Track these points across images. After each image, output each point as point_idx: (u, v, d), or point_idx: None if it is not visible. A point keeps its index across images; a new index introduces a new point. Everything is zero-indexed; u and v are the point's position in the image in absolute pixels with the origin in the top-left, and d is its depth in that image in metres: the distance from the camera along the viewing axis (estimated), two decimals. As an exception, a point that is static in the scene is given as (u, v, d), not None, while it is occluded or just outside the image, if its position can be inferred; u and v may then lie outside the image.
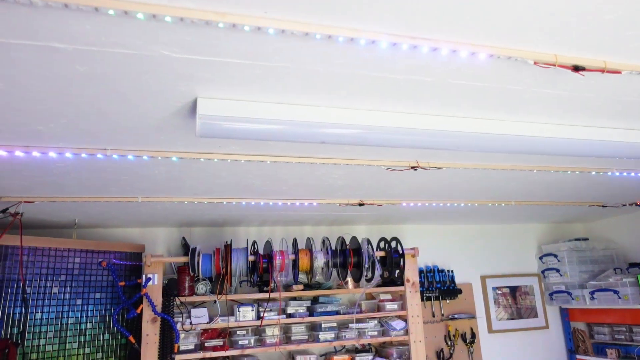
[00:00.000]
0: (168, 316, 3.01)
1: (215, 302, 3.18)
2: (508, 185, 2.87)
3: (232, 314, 3.21)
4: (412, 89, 1.53)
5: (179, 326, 3.05)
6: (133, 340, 2.94)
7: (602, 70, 1.43)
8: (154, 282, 3.05)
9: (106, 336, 2.95)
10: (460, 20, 1.18)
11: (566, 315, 4.26)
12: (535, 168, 2.48)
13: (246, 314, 3.20)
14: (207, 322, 3.13)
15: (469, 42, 1.28)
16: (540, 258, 4.36)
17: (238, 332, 3.20)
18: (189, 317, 3.11)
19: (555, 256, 4.20)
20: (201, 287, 3.20)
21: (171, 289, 3.13)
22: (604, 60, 1.43)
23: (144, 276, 3.04)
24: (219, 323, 3.15)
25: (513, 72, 1.45)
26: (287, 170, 2.31)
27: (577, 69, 1.41)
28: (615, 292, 3.71)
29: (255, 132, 1.55)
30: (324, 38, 1.19)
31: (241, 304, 3.25)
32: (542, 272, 4.33)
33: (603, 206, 3.69)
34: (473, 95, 1.59)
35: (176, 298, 3.11)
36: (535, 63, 1.36)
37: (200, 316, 3.13)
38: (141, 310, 2.97)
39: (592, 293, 3.88)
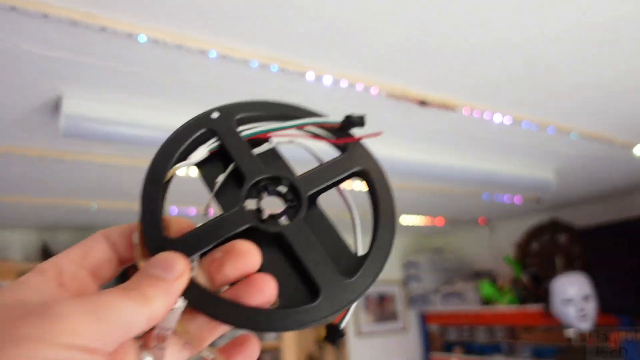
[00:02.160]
0: (18, 328, 2.73)
1: (76, 311, 2.96)
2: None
3: (95, 324, 3.02)
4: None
5: (30, 339, 2.79)
6: (-29, 357, 2.61)
7: (442, 107, 1.70)
8: (3, 291, 2.75)
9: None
10: (324, 50, 1.33)
11: (423, 318, 4.75)
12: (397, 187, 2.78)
13: (111, 324, 3.03)
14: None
15: (332, 71, 1.43)
16: (404, 266, 4.81)
17: (101, 344, 3.01)
18: (44, 328, 2.86)
19: (417, 265, 4.67)
20: (60, 296, 2.96)
21: (24, 299, 2.85)
22: (443, 98, 1.69)
23: (-10, 284, 2.73)
24: (79, 334, 2.94)
25: (372, 102, 1.64)
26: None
27: (422, 103, 1.65)
28: (461, 296, 4.25)
29: (124, 135, 1.54)
30: (197, 52, 1.25)
31: (106, 313, 3.08)
32: (405, 279, 4.78)
33: (454, 222, 4.22)
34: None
35: (29, 308, 2.84)
36: (387, 96, 1.57)
37: (57, 327, 2.89)
38: (-16, 323, 2.66)
39: (443, 297, 4.39)
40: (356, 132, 0.34)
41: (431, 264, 4.62)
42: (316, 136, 0.34)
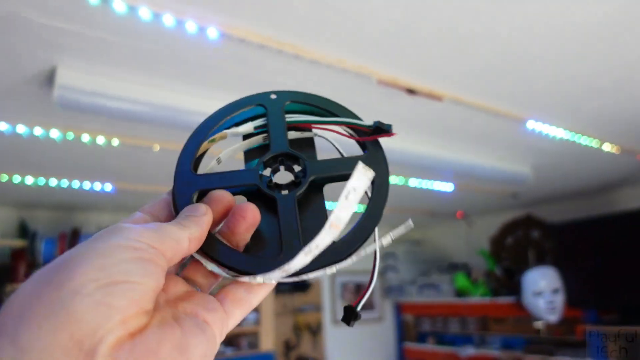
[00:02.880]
0: (-6, 305, 2.70)
1: (54, 290, 2.94)
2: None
3: (73, 303, 3.00)
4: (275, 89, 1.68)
5: (7, 316, 2.76)
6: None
7: (429, 96, 1.76)
8: (-20, 267, 2.72)
9: None
10: (320, 35, 1.37)
11: (398, 308, 4.86)
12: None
13: (90, 304, 3.02)
14: (43, 312, 2.89)
15: (329, 55, 1.48)
16: (382, 257, 4.91)
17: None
18: (21, 306, 2.84)
19: (394, 255, 4.77)
20: (39, 274, 2.93)
21: (1, 276, 2.82)
22: (430, 87, 1.76)
23: (-34, 260, 2.69)
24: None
25: (362, 88, 1.69)
26: (152, 155, 2.29)
27: (410, 91, 1.71)
28: (437, 287, 4.36)
29: (119, 110, 1.55)
30: (196, 30, 1.28)
31: (85, 293, 3.06)
32: (383, 269, 4.88)
33: (432, 215, 4.32)
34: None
35: (6, 285, 2.81)
36: (378, 82, 1.63)
37: (35, 305, 2.87)
38: (-40, 298, 2.63)
39: (419, 288, 4.50)
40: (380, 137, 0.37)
41: (409, 255, 4.72)
42: (348, 134, 0.38)
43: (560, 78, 1.71)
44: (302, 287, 4.23)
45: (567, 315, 3.45)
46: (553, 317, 3.39)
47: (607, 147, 2.44)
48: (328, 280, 4.55)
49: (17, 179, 2.52)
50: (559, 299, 3.40)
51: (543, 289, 3.41)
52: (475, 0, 1.24)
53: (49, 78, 1.51)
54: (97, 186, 2.73)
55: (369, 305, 4.76)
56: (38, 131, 1.91)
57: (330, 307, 4.48)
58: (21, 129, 1.88)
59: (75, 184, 2.67)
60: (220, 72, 1.55)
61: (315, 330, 4.25)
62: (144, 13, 1.20)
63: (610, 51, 1.53)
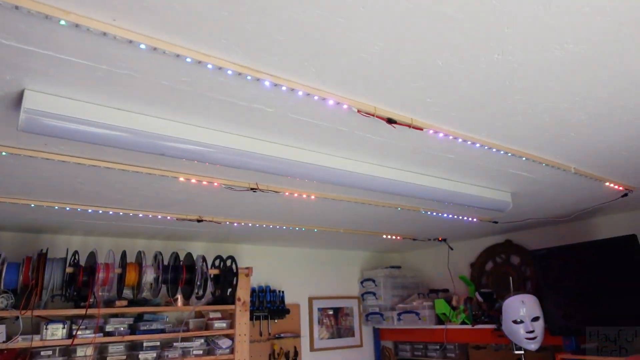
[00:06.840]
0: (-49, 334, 2.54)
1: (17, 318, 2.79)
2: (337, 214, 3.18)
3: (37, 332, 2.85)
4: (254, 116, 1.65)
5: (-36, 346, 2.60)
6: None
7: (409, 126, 1.75)
8: (-63, 294, 2.56)
9: None
10: (300, 65, 1.34)
11: (378, 334, 4.77)
12: (357, 200, 2.81)
13: (55, 332, 2.88)
14: (4, 342, 2.73)
15: (306, 85, 1.45)
16: (362, 282, 4.84)
17: (42, 353, 2.85)
18: (-20, 335, 2.68)
19: (374, 281, 4.71)
20: (1, 300, 2.79)
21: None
22: (411, 118, 1.74)
23: None
24: (19, 342, 2.77)
25: (342, 116, 1.67)
26: (122, 179, 2.22)
27: (390, 121, 1.69)
28: (417, 314, 4.31)
29: (88, 134, 1.48)
30: (172, 56, 1.24)
31: (50, 320, 2.92)
32: (362, 295, 4.81)
33: (413, 239, 4.30)
34: (308, 130, 1.79)
35: (-35, 313, 2.66)
36: (358, 111, 1.60)
37: (-5, 334, 2.71)
38: None
39: (399, 315, 4.44)
40: None
41: (388, 280, 4.66)
42: None
43: (537, 110, 1.72)
44: (279, 313, 4.13)
45: (547, 343, 3.43)
46: (533, 346, 3.36)
47: (582, 175, 2.47)
48: (307, 305, 4.45)
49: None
50: (539, 327, 3.38)
51: (523, 317, 3.39)
52: (454, 36, 1.23)
53: (17, 101, 1.44)
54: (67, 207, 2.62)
55: (349, 332, 4.67)
56: (6, 153, 1.82)
57: (308, 333, 4.37)
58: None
59: (44, 205, 2.56)
60: (196, 98, 1.50)
61: (292, 358, 4.13)
62: (118, 38, 1.15)
63: (586, 87, 1.54)
